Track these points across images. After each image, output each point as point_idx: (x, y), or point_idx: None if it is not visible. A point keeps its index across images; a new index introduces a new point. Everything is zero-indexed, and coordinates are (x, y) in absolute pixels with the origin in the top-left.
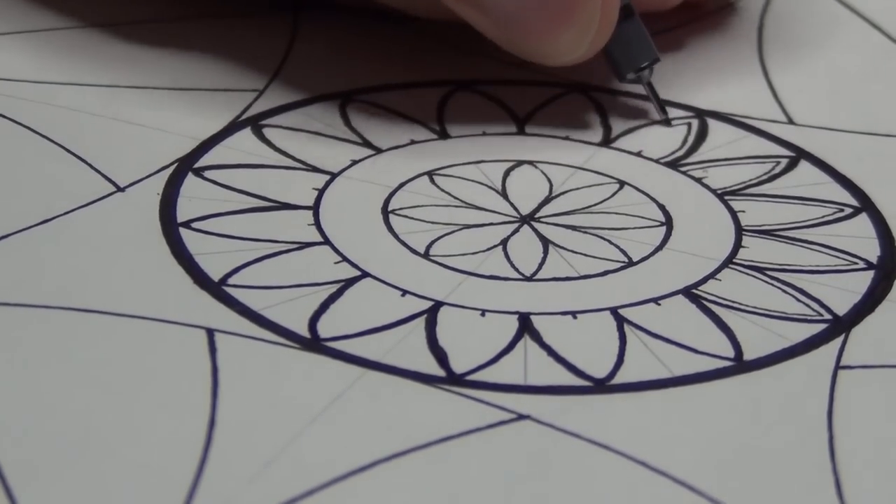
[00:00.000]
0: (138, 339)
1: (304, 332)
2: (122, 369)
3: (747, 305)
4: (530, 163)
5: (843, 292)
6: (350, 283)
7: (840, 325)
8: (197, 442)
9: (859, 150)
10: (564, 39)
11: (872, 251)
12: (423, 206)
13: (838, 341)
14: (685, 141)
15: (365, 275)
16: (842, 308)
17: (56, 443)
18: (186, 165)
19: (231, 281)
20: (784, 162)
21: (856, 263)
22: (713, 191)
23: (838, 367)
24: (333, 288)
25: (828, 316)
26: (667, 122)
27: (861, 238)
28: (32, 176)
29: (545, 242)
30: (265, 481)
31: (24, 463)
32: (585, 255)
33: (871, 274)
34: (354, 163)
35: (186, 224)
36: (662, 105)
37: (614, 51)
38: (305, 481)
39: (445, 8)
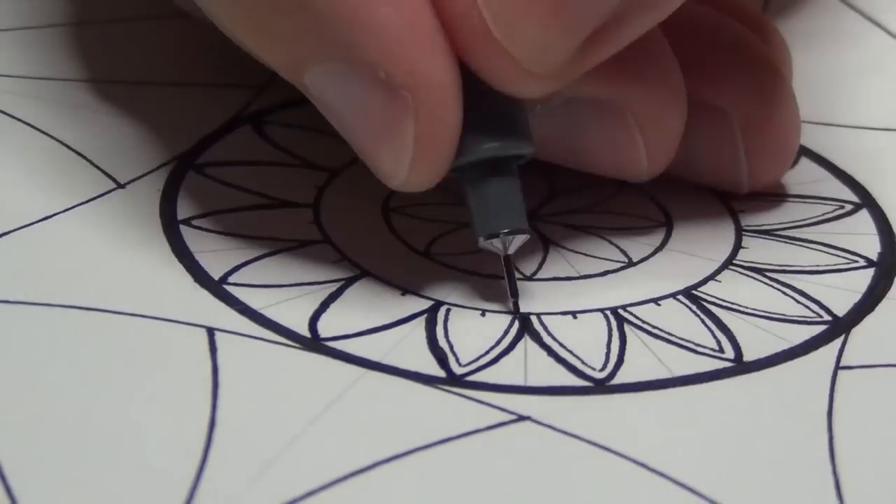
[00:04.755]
0: (138, 337)
1: (304, 331)
2: (122, 368)
3: (747, 307)
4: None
5: (843, 292)
6: (350, 281)
7: (840, 326)
8: (197, 442)
9: (859, 146)
10: (383, 161)
11: (873, 248)
12: (423, 204)
13: (838, 342)
14: None
15: (365, 273)
16: (842, 308)
17: (56, 443)
18: (187, 162)
19: (231, 279)
20: None
21: (856, 261)
22: (713, 190)
23: (838, 367)
24: (333, 287)
25: (827, 317)
26: (515, 306)
27: (861, 235)
28: (32, 173)
29: (545, 242)
30: (265, 482)
31: (24, 463)
32: (586, 254)
33: (871, 272)
34: (355, 160)
35: (187, 221)
36: (514, 287)
37: (473, 206)
38: (306, 482)
39: None
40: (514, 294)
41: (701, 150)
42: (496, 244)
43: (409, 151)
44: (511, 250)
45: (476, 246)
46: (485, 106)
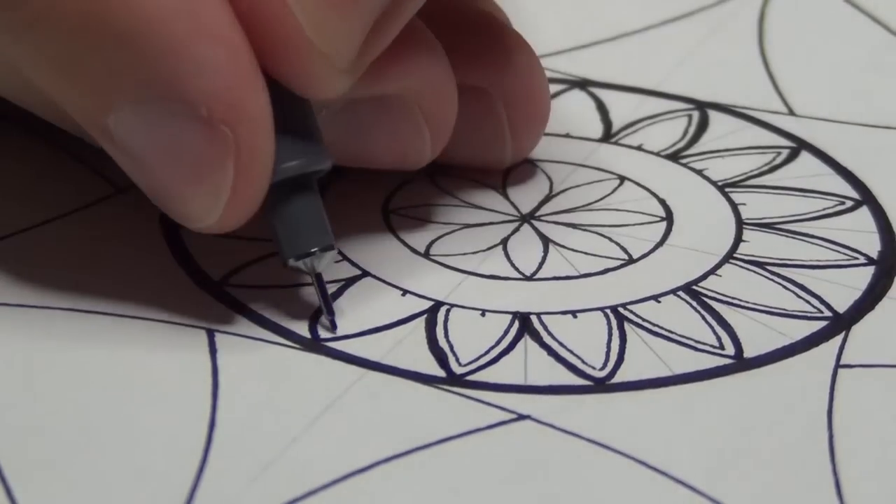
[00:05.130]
0: (139, 339)
1: (304, 332)
2: (123, 370)
3: (748, 302)
4: (530, 161)
5: (844, 288)
6: (350, 282)
7: (840, 323)
8: (197, 443)
9: (860, 142)
10: (195, 202)
11: (873, 246)
12: (423, 205)
13: (838, 339)
14: (686, 132)
15: (365, 274)
16: (842, 305)
17: (56, 443)
18: None
19: (232, 281)
20: (785, 153)
21: (856, 259)
22: (714, 183)
23: (838, 365)
24: (334, 287)
25: (828, 313)
26: (333, 325)
27: (861, 232)
28: (32, 177)
29: (545, 241)
30: (265, 482)
31: (24, 463)
32: (586, 253)
33: (871, 270)
34: None
35: None
36: (329, 305)
37: (278, 228)
38: (306, 482)
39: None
40: (330, 312)
41: (467, 131)
42: (306, 264)
43: (226, 189)
44: (320, 268)
45: (286, 266)
46: (281, 125)
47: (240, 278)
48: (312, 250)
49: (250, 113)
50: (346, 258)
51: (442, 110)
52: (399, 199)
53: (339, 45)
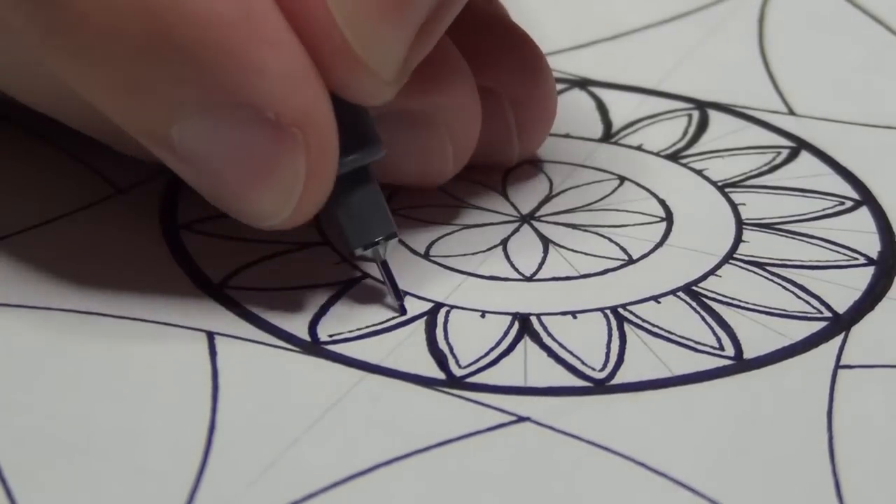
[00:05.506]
0: (138, 341)
1: (304, 335)
2: (122, 372)
3: (747, 302)
4: (530, 162)
5: (844, 289)
6: (350, 284)
7: (840, 324)
8: (197, 445)
9: (860, 142)
10: (265, 201)
11: (873, 246)
12: (423, 206)
13: (838, 340)
14: (686, 132)
15: (365, 276)
16: (842, 305)
17: (56, 446)
18: None
19: (231, 283)
20: (785, 153)
21: (856, 259)
22: (714, 183)
23: (838, 366)
24: (333, 289)
25: (828, 313)
26: (402, 309)
27: (861, 232)
28: (32, 177)
29: (545, 242)
30: (265, 485)
31: (24, 466)
32: (585, 253)
33: (871, 270)
34: None
35: (187, 226)
36: (398, 291)
37: (343, 220)
38: (305, 485)
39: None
40: (399, 297)
41: None
42: (372, 253)
43: (298, 187)
44: (385, 255)
45: (352, 257)
46: (340, 120)
47: (240, 280)
48: (377, 239)
49: (316, 112)
50: (345, 260)
51: (466, 128)
52: (399, 200)
53: (385, 58)
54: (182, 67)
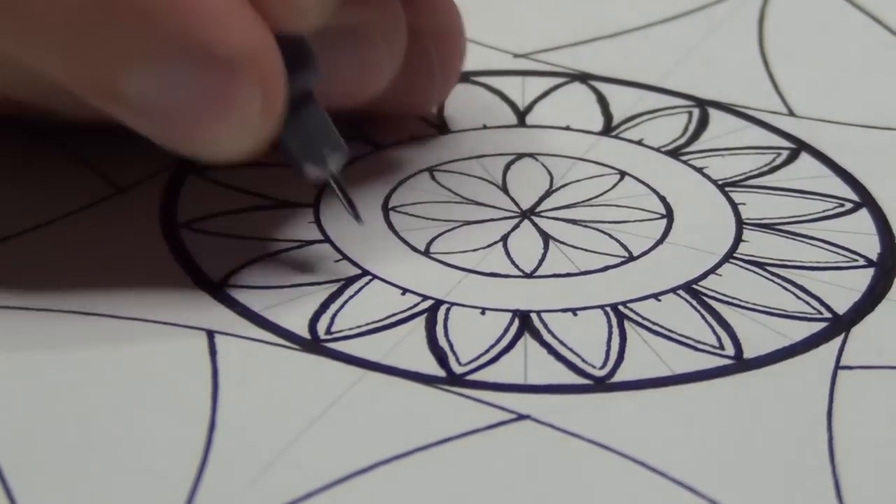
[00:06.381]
0: (139, 340)
1: (304, 333)
2: (123, 371)
3: (748, 302)
4: (531, 155)
5: (843, 290)
6: (350, 281)
7: (840, 324)
8: (197, 443)
9: (860, 144)
10: (225, 137)
11: (872, 248)
12: (423, 202)
13: (838, 340)
14: (686, 129)
15: (365, 273)
16: (842, 306)
17: (56, 444)
18: (187, 165)
19: (231, 281)
20: (785, 153)
21: (856, 260)
22: (714, 181)
23: (838, 366)
24: (334, 287)
25: (828, 314)
26: (357, 217)
27: (861, 234)
28: (33, 178)
29: (545, 238)
30: (265, 483)
31: (24, 465)
32: (586, 250)
33: (871, 271)
34: (355, 160)
35: (187, 225)
36: (353, 204)
37: (291, 141)
38: (306, 483)
39: (94, 108)
40: (354, 208)
41: (401, 71)
42: (322, 169)
43: (257, 118)
44: (335, 169)
45: (302, 177)
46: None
47: (239, 279)
48: (325, 152)
49: (263, 44)
50: (345, 257)
51: (397, 36)
52: (399, 196)
53: None
54: (125, 18)
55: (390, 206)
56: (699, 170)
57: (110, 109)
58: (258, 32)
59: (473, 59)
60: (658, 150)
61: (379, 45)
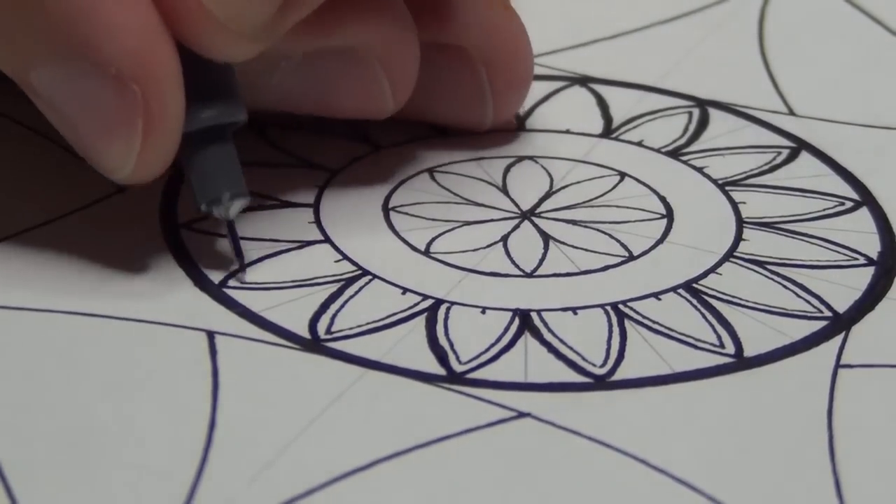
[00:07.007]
0: (139, 341)
1: (304, 333)
2: (123, 371)
3: (748, 301)
4: (531, 158)
5: (844, 289)
6: (350, 281)
7: (840, 323)
8: (197, 443)
9: (860, 143)
10: (111, 154)
11: (873, 246)
12: (423, 203)
13: (838, 339)
14: (686, 129)
15: (365, 273)
16: (842, 305)
17: (57, 444)
18: None
19: (231, 282)
20: (785, 153)
21: (856, 259)
22: (714, 181)
23: (838, 365)
24: (334, 287)
25: (828, 313)
26: (242, 268)
27: (861, 233)
28: (33, 177)
29: (545, 238)
30: (265, 482)
31: (24, 464)
32: (586, 250)
33: (871, 270)
34: (355, 160)
35: (187, 225)
36: (239, 250)
37: (191, 175)
38: (306, 481)
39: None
40: (240, 255)
41: (446, 91)
42: (219, 210)
43: (137, 143)
44: (232, 214)
45: (200, 211)
46: (198, 77)
47: (240, 279)
48: (223, 195)
49: (157, 72)
50: (345, 257)
51: (401, 62)
52: (399, 196)
53: (239, 13)
54: (31, 16)
55: (390, 206)
56: (699, 169)
57: (31, 98)
58: (155, 56)
59: None
60: (658, 150)
61: (374, 68)
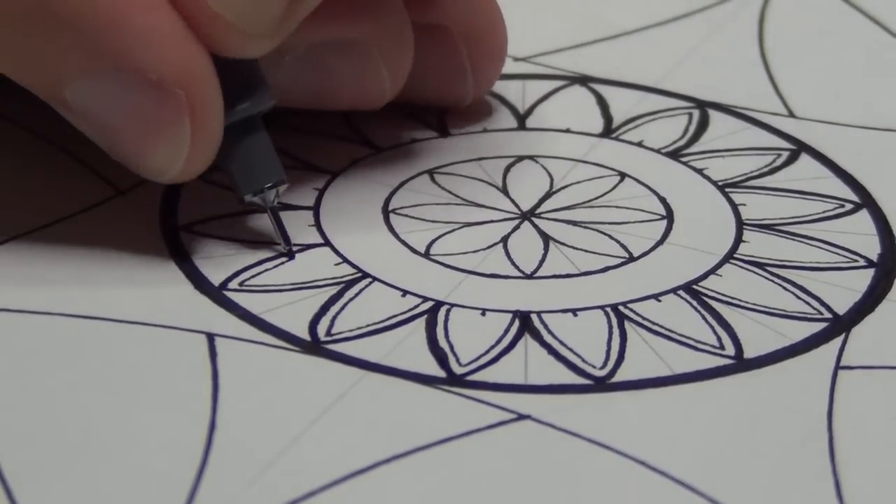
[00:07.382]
0: (139, 343)
1: (304, 335)
2: (123, 374)
3: (748, 302)
4: (531, 158)
5: (844, 290)
6: (350, 284)
7: (840, 325)
8: (197, 444)
9: (860, 145)
10: (158, 158)
11: (873, 248)
12: (423, 204)
13: (838, 341)
14: (686, 130)
15: (365, 275)
16: (842, 307)
17: (57, 446)
18: None
19: (231, 285)
20: (785, 155)
21: (856, 261)
22: (714, 182)
23: (838, 367)
24: (334, 290)
25: (828, 314)
26: (290, 253)
27: (861, 235)
28: (34, 180)
29: (546, 239)
30: (265, 484)
31: (24, 466)
32: (586, 251)
33: (871, 272)
34: (355, 162)
35: (187, 227)
36: (286, 235)
37: (233, 168)
38: (306, 483)
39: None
40: (288, 242)
41: (428, 69)
42: (261, 199)
43: (186, 144)
44: (274, 201)
45: (242, 203)
46: (227, 70)
47: (240, 281)
48: (266, 185)
49: (197, 73)
50: (345, 259)
51: (398, 51)
52: (399, 198)
53: (246, 12)
54: (65, 35)
55: (390, 208)
56: (699, 171)
57: (63, 114)
58: (191, 58)
59: None
60: (658, 151)
61: (375, 58)
